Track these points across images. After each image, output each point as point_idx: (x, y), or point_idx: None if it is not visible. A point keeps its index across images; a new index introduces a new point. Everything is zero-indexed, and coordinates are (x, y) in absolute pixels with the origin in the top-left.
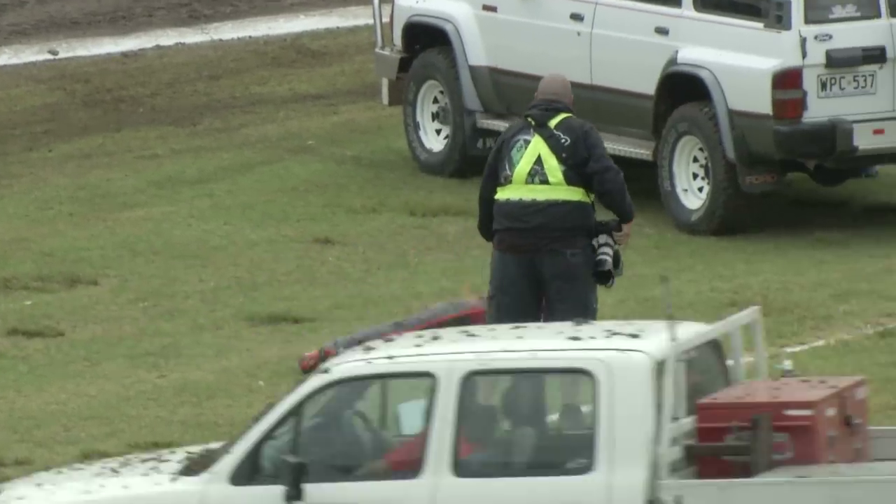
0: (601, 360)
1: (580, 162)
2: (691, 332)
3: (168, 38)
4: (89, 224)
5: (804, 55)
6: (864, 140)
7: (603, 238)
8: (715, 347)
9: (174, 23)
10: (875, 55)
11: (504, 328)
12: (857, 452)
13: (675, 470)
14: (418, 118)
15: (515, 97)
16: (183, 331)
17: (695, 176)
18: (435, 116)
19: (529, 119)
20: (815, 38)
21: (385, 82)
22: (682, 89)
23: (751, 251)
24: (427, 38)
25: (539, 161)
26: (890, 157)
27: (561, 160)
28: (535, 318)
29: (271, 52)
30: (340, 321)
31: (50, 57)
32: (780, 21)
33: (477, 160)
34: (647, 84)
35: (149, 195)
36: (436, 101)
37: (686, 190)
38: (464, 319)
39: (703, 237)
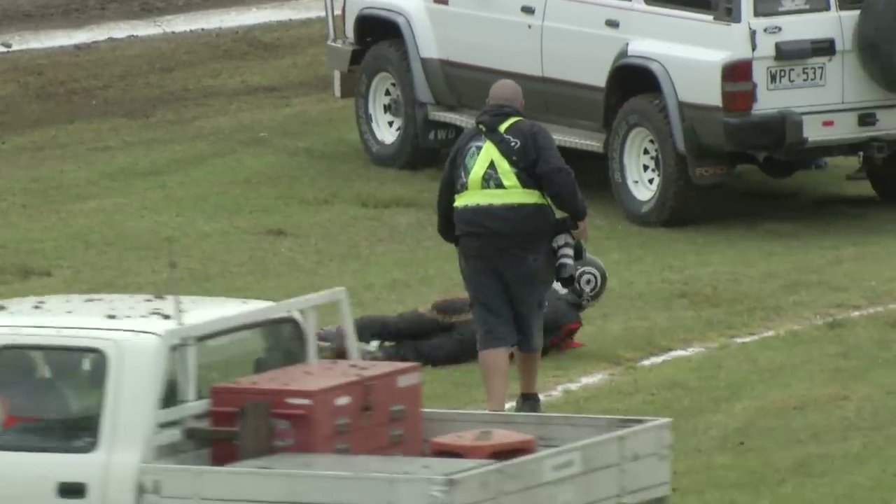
0: (113, 340)
1: (531, 164)
2: (226, 312)
3: (121, 30)
4: (42, 216)
5: (754, 47)
6: (813, 132)
7: (562, 239)
8: (293, 327)
9: (127, 15)
10: (824, 48)
11: (76, 301)
12: (394, 439)
13: (181, 452)
14: (370, 110)
15: (467, 90)
16: None
17: (645, 168)
18: (387, 108)
19: (480, 126)
20: (765, 30)
21: (337, 74)
22: (633, 82)
23: (701, 243)
24: (379, 31)
25: (492, 166)
26: (839, 148)
27: (512, 163)
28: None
29: (223, 44)
30: None
31: (3, 49)
32: (729, 14)
33: (429, 152)
34: (597, 76)
35: (101, 187)
36: (388, 93)
37: (637, 182)
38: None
39: (654, 228)
